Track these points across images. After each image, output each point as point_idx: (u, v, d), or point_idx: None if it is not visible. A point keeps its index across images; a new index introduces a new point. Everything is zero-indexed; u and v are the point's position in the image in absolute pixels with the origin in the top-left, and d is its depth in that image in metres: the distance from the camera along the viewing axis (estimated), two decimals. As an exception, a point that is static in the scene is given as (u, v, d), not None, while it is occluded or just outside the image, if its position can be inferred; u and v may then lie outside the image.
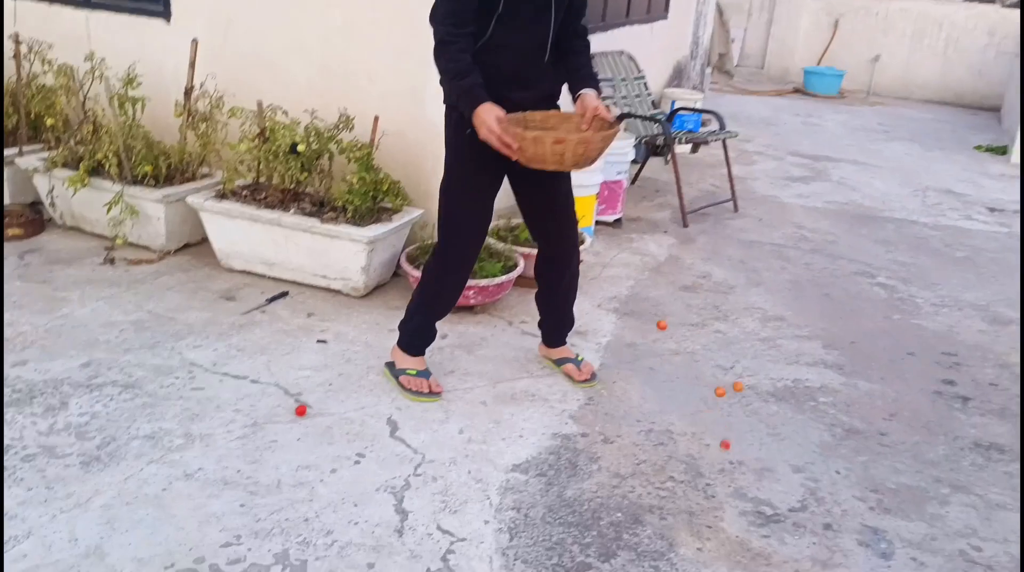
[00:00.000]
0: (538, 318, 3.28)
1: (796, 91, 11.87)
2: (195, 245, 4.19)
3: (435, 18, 2.62)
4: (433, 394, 3.02)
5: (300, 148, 3.72)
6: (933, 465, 2.91)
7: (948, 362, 3.71)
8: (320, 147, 3.77)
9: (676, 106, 6.40)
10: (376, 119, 3.83)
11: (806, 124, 9.34)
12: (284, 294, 3.77)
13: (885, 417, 3.20)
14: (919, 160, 7.91)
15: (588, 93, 2.77)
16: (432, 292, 3.02)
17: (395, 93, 3.95)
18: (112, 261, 3.96)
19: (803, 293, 4.37)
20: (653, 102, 5.93)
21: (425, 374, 3.06)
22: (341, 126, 3.79)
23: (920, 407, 3.30)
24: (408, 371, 3.05)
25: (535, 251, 3.12)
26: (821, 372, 3.51)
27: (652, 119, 5.47)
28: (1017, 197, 6.71)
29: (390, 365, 3.13)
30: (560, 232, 3.00)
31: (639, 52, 6.17)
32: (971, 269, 4.94)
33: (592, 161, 2.65)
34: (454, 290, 3.03)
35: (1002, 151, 8.50)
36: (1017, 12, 11.73)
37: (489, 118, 2.55)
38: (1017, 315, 4.28)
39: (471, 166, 2.79)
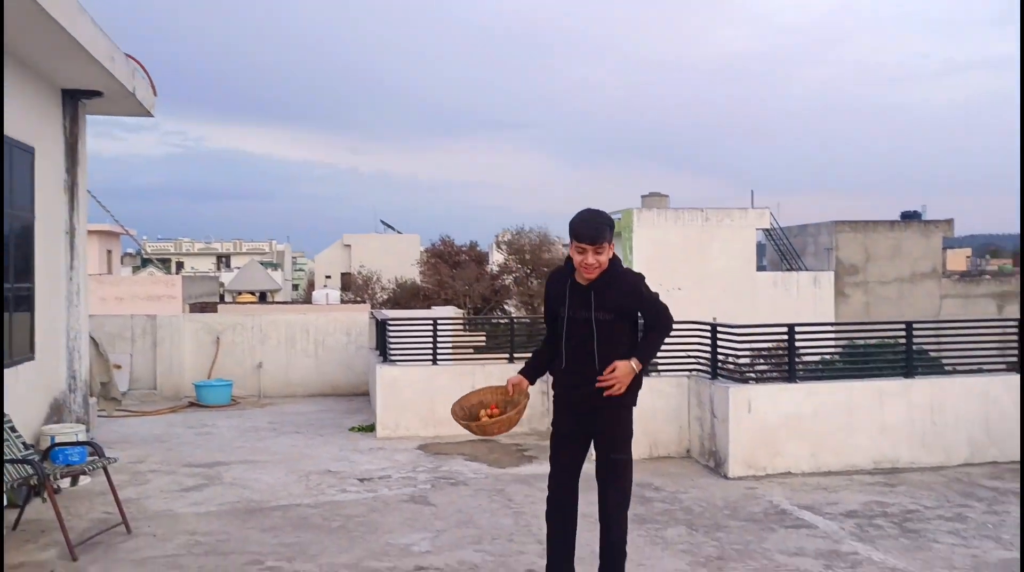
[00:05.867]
0: None
1: (192, 405, 12.48)
2: None
3: None
4: None
5: None
6: None
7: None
8: None
9: (55, 441, 6.43)
10: None
11: (199, 434, 9.90)
12: None
13: None
14: (304, 449, 8.95)
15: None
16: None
17: None
18: None
19: (198, 595, 4.67)
20: (25, 443, 5.89)
21: None
22: None
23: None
24: None
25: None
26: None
27: (23, 461, 5.44)
28: (382, 465, 8.04)
29: None
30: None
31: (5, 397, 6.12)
32: (344, 535, 5.78)
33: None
34: None
35: (371, 428, 10.05)
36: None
37: None
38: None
39: None
